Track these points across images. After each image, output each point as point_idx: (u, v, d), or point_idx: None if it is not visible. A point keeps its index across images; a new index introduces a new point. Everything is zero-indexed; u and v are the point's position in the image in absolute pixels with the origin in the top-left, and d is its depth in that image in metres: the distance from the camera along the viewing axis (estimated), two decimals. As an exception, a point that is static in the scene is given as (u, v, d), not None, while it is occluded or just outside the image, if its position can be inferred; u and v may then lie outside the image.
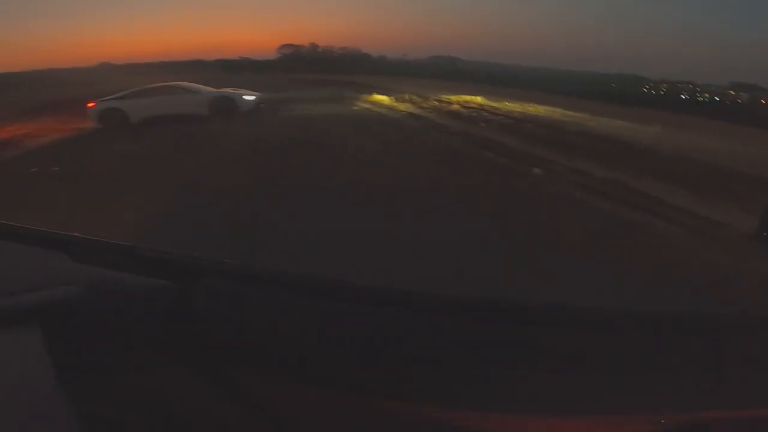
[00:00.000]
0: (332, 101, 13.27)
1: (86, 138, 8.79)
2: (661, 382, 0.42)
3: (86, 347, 0.46)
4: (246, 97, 10.44)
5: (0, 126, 9.72)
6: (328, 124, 8.41)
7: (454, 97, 13.17)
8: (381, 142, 6.50)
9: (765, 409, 0.43)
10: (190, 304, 0.48)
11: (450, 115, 9.28)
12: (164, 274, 0.52)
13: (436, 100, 12.15)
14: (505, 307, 0.51)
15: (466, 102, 12.32)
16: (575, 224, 3.49)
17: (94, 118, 9.79)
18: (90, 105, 9.97)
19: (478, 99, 13.19)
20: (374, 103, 12.35)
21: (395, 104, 11.64)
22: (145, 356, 0.46)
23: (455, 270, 2.40)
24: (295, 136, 7.14)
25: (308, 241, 2.81)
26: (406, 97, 12.74)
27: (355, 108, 11.48)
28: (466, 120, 8.64)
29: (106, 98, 10.10)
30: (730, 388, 0.43)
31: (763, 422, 0.43)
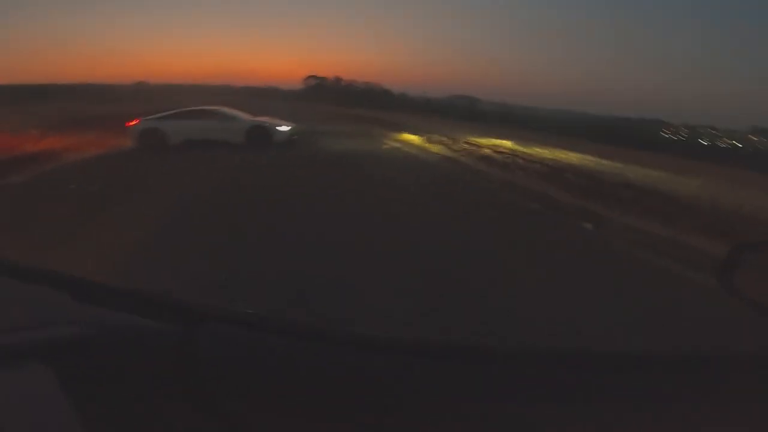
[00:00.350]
0: (361, 136, 13.46)
1: (127, 157, 8.83)
2: (647, 419, 0.44)
3: (91, 386, 0.46)
4: (280, 128, 10.48)
5: (42, 137, 9.98)
6: (363, 164, 8.31)
7: (483, 140, 13.27)
8: (424, 190, 6.38)
9: None
10: (194, 347, 0.49)
11: (485, 161, 9.22)
12: (167, 317, 0.53)
13: (465, 142, 12.20)
14: (487, 350, 0.53)
15: (496, 146, 12.34)
16: (645, 288, 3.27)
17: (134, 137, 9.85)
18: (130, 124, 10.04)
19: (508, 143, 13.26)
20: (404, 142, 12.41)
21: (426, 145, 11.68)
22: (150, 396, 0.47)
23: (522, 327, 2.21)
24: (329, 177, 7.01)
25: (361, 303, 2.56)
26: (435, 137, 12.84)
27: (386, 146, 11.48)
28: (502, 167, 8.57)
29: (147, 118, 10.19)
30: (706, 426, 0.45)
31: None
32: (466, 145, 11.55)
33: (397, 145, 11.67)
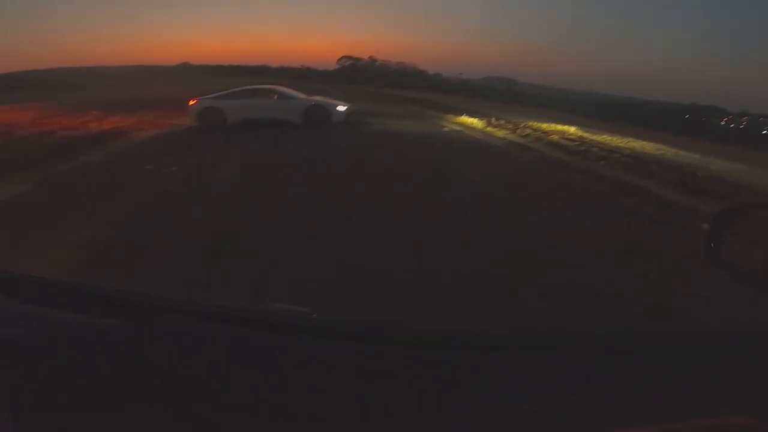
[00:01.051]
0: (412, 118, 12.94)
1: (190, 134, 8.76)
2: (630, 400, 0.44)
3: (32, 390, 0.43)
4: (339, 108, 10.18)
5: (104, 117, 10.10)
6: (427, 149, 7.84)
7: (543, 125, 12.45)
8: (504, 180, 5.83)
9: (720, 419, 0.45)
10: (146, 342, 0.46)
11: (560, 149, 8.51)
12: (115, 313, 0.49)
13: (528, 127, 11.41)
14: (467, 337, 0.50)
15: (564, 132, 11.53)
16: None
17: (194, 116, 9.72)
18: (191, 103, 9.90)
19: (572, 129, 12.37)
20: (464, 125, 11.69)
21: (489, 129, 10.96)
22: (101, 396, 0.43)
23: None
24: (399, 161, 6.62)
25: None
26: (493, 120, 12.10)
27: (446, 129, 10.88)
28: (580, 155, 7.86)
29: (206, 97, 10.05)
30: (688, 405, 0.45)
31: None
32: (528, 130, 10.78)
33: (457, 128, 11.03)
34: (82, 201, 4.12)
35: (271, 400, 0.43)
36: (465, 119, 12.26)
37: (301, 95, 10.48)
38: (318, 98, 10.59)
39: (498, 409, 0.42)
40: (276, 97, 10.22)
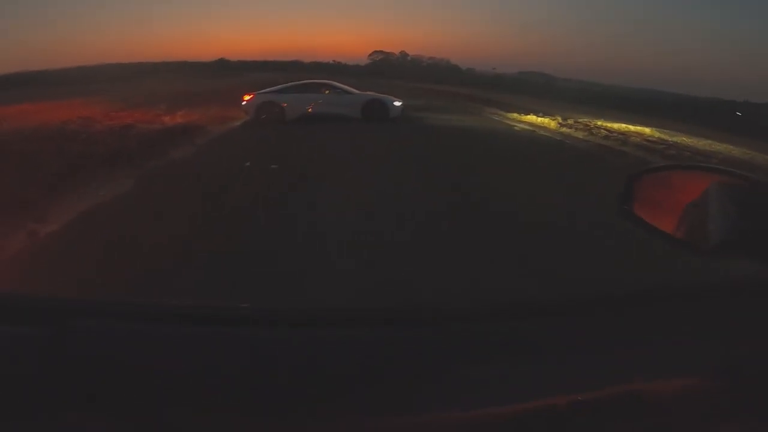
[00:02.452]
0: (464, 113, 12.45)
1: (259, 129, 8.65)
2: (577, 361, 0.44)
3: None
4: (396, 103, 10.02)
5: (172, 111, 10.09)
6: (534, 154, 7.27)
7: (615, 125, 11.71)
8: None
9: (685, 378, 0.46)
10: (63, 347, 0.44)
11: (652, 152, 7.89)
12: (30, 319, 0.46)
13: (602, 128, 10.72)
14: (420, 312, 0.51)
15: (641, 134, 10.79)
16: None
17: (251, 110, 9.63)
18: (247, 97, 9.80)
19: (648, 130, 11.58)
20: (533, 124, 11.07)
21: (564, 130, 10.33)
22: (17, 406, 0.41)
23: None
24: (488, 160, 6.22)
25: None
26: (560, 119, 11.45)
27: (517, 128, 10.37)
28: (679, 160, 7.27)
29: (264, 91, 9.98)
30: (649, 362, 0.45)
31: (689, 390, 0.46)
32: (604, 131, 10.11)
33: (528, 127, 10.46)
34: (200, 201, 3.90)
35: (195, 394, 0.41)
36: (533, 118, 11.62)
37: (355, 90, 10.33)
38: (372, 93, 10.41)
39: (436, 379, 0.41)
40: (333, 91, 10.12)
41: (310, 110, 9.64)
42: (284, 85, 10.27)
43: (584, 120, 12.36)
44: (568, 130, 10.06)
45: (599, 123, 11.65)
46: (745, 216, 0.58)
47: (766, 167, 8.16)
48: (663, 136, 10.79)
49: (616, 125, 11.75)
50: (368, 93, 10.32)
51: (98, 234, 3.13)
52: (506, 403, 0.41)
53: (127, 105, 11.31)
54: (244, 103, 9.74)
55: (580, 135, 9.51)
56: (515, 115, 12.42)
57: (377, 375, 0.42)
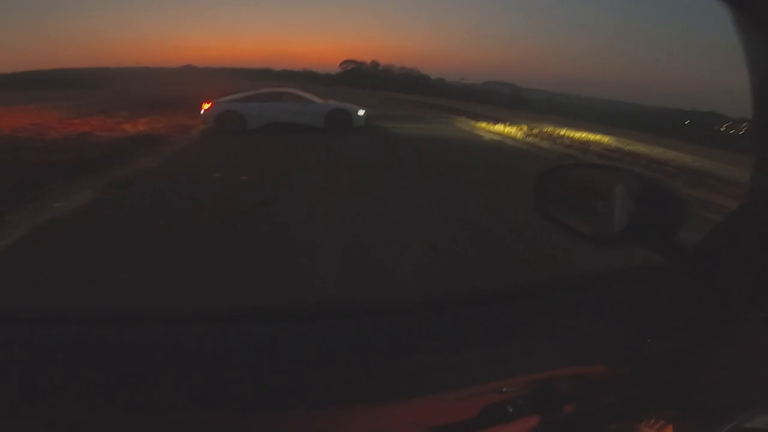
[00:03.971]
0: (434, 123, 12.69)
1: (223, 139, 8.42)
2: (499, 352, 0.45)
3: None
4: (359, 112, 9.86)
5: (134, 118, 9.70)
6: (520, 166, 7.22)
7: (577, 135, 12.24)
8: None
9: (600, 366, 0.49)
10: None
11: (609, 159, 8.30)
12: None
13: (564, 137, 11.18)
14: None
15: (601, 143, 11.33)
16: None
17: (210, 120, 9.12)
18: (206, 106, 9.19)
19: (606, 140, 12.20)
20: (502, 134, 11.25)
21: (530, 140, 10.63)
22: None
23: None
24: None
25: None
26: (526, 129, 11.84)
27: (487, 138, 10.55)
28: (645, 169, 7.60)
29: (223, 99, 9.40)
30: (566, 349, 0.47)
31: (600, 377, 0.48)
32: (567, 141, 10.59)
33: (496, 137, 10.67)
34: (173, 213, 3.79)
35: (127, 394, 0.40)
36: (501, 128, 11.96)
37: (319, 99, 10.08)
38: (335, 102, 10.24)
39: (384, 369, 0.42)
40: (296, 100, 9.84)
41: (271, 120, 9.35)
42: (245, 93, 9.78)
43: (549, 129, 12.86)
44: (534, 140, 10.43)
45: (562, 133, 12.16)
46: (642, 210, 0.61)
47: (716, 174, 8.61)
48: (620, 145, 11.38)
49: (578, 135, 12.31)
50: (331, 102, 10.13)
51: (49, 249, 2.99)
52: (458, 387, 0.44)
53: (87, 111, 10.78)
54: (202, 111, 9.26)
55: (545, 144, 9.86)
56: (483, 124, 12.75)
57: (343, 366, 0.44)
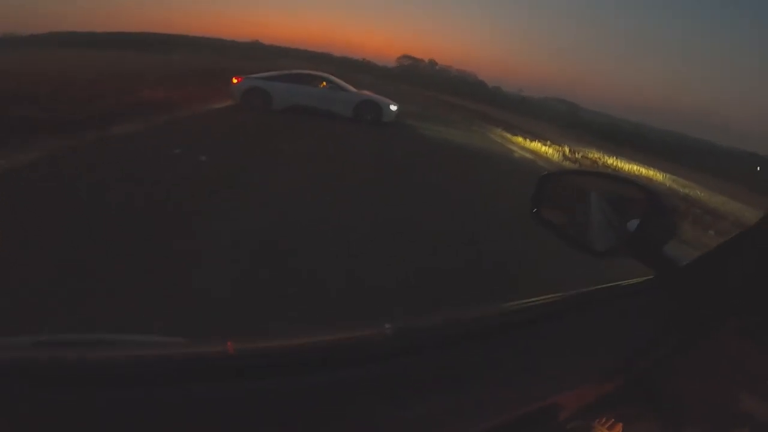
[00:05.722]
0: (466, 131, 11.73)
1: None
2: (484, 388, 0.45)
3: None
4: (391, 107, 9.28)
5: (163, 85, 9.52)
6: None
7: (627, 166, 10.84)
8: None
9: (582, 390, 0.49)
10: None
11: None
12: None
13: (611, 167, 9.85)
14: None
15: (650, 179, 9.90)
16: None
17: (237, 95, 8.88)
18: (235, 81, 8.96)
19: (660, 177, 10.68)
20: (536, 153, 10.05)
21: (566, 163, 9.36)
22: None
23: None
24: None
25: None
26: (567, 151, 10.58)
27: (515, 155, 9.43)
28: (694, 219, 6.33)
29: (252, 76, 9.09)
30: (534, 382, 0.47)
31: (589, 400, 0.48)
32: (607, 170, 9.30)
33: (529, 156, 9.56)
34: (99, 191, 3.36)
35: None
36: (538, 146, 10.78)
37: (352, 88, 9.47)
38: (369, 93, 9.61)
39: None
40: (327, 86, 9.26)
41: (298, 103, 8.92)
42: (277, 72, 9.48)
43: (594, 155, 11.51)
44: (571, 164, 9.19)
45: (609, 161, 10.81)
46: (641, 222, 0.62)
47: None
48: (676, 186, 9.89)
49: (628, 166, 10.90)
50: (364, 93, 9.56)
51: None
52: None
53: (120, 74, 10.87)
54: (231, 86, 9.02)
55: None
56: (519, 139, 11.60)
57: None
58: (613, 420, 0.51)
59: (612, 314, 0.56)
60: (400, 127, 9.42)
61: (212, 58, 23.91)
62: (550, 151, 10.27)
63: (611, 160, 11.03)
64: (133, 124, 5.82)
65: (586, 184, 0.74)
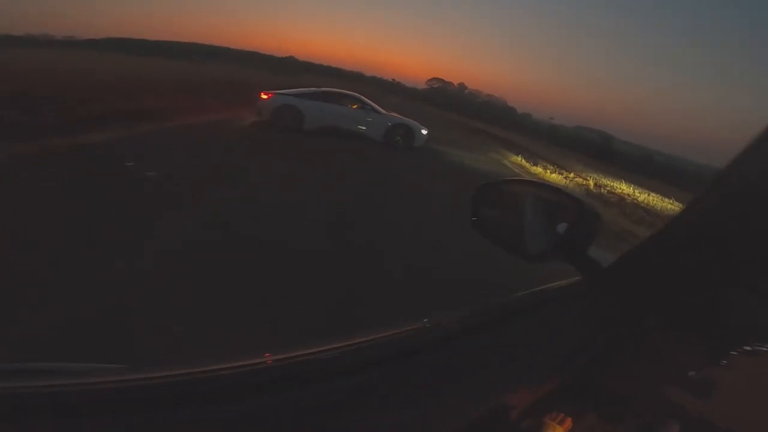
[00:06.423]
0: (485, 156, 11.12)
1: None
2: (428, 399, 0.45)
3: None
4: (423, 131, 8.95)
5: (175, 95, 9.50)
6: None
7: (660, 204, 9.88)
8: None
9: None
10: None
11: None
12: None
13: (640, 208, 8.94)
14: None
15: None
16: None
17: (266, 113, 8.31)
18: (265, 96, 8.43)
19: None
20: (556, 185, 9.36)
21: (587, 199, 8.67)
22: None
23: None
24: None
25: None
26: (592, 186, 9.72)
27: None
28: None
29: (284, 92, 8.59)
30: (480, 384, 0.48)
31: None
32: (642, 213, 8.39)
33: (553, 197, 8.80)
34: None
35: None
36: (557, 178, 10.08)
37: (382, 110, 9.10)
38: (398, 116, 9.24)
39: None
40: (358, 106, 8.87)
41: (330, 123, 8.53)
42: (308, 89, 8.97)
43: (623, 191, 10.60)
44: (592, 201, 8.34)
45: (640, 198, 9.87)
46: (567, 227, 0.66)
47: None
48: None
49: (660, 204, 9.90)
50: (394, 115, 9.15)
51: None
52: None
53: (139, 81, 10.96)
54: (259, 102, 8.46)
55: (608, 213, 7.72)
56: (539, 169, 10.83)
57: None
58: (562, 415, 0.54)
59: (546, 316, 0.59)
60: (428, 152, 9.11)
61: (246, 71, 24.57)
62: (572, 185, 9.46)
63: (642, 197, 10.08)
64: (112, 132, 5.59)
65: (522, 192, 0.76)
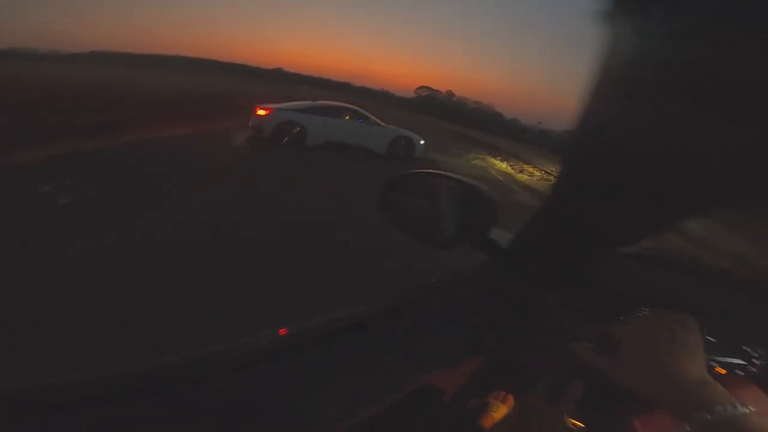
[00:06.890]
0: (469, 164, 11.08)
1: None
2: (354, 380, 0.46)
3: None
4: (421, 142, 9.01)
5: (156, 109, 9.34)
6: None
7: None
8: None
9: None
10: None
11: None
12: None
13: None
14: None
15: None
16: None
17: (267, 129, 7.70)
18: (262, 112, 7.80)
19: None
20: (543, 193, 9.28)
21: None
22: None
23: None
24: None
25: None
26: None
27: (516, 196, 8.65)
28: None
29: (284, 107, 8.13)
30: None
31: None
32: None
33: (529, 199, 8.79)
34: None
35: None
36: (545, 185, 10.13)
37: (382, 122, 9.01)
38: (397, 128, 9.18)
39: None
40: (359, 120, 8.72)
41: (334, 138, 8.31)
42: (307, 103, 8.69)
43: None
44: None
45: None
46: (466, 213, 0.69)
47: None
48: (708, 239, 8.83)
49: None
50: (392, 127, 9.00)
51: None
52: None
53: (121, 95, 10.74)
54: (255, 117, 7.88)
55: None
56: (525, 177, 10.80)
57: None
58: (504, 393, 0.59)
59: (460, 298, 0.61)
60: (427, 162, 9.04)
61: (233, 84, 24.46)
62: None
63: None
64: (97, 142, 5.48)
65: (429, 182, 0.78)
